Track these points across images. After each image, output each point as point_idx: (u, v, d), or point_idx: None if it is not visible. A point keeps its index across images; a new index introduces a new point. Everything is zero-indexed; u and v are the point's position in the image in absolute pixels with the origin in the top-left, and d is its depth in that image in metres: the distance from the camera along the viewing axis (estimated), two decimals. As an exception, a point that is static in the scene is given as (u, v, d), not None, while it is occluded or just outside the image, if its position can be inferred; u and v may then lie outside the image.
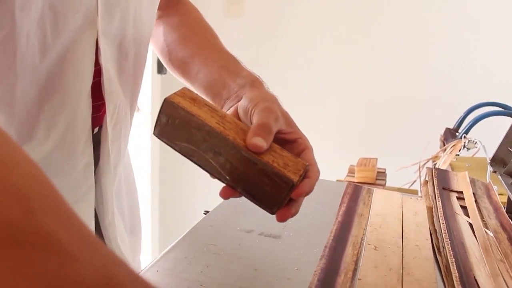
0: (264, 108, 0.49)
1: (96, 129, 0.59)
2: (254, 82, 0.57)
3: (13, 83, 0.46)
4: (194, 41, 0.67)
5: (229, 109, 0.56)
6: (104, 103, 0.56)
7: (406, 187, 1.21)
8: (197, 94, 0.49)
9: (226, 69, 0.60)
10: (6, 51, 0.45)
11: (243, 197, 0.48)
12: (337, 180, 1.15)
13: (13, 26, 0.44)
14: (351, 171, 1.22)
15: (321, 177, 0.87)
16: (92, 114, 0.55)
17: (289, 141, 0.51)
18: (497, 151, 0.81)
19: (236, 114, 0.54)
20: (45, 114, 0.50)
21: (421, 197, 0.81)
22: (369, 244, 0.61)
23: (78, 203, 0.57)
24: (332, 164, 1.48)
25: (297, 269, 0.56)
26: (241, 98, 0.54)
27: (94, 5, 0.50)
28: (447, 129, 1.32)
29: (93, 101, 0.54)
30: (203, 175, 0.48)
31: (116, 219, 0.64)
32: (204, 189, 1.80)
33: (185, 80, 0.67)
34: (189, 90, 0.49)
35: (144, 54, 0.63)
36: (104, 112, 0.57)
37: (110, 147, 0.59)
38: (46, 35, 0.47)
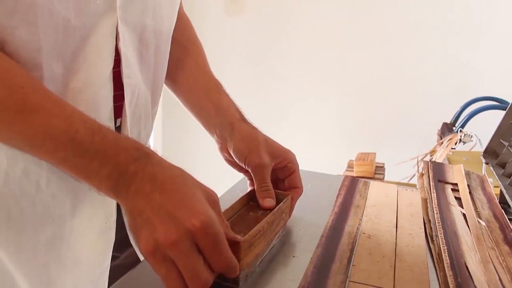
0: (256, 167, 0.63)
1: (118, 121, 0.61)
2: (233, 123, 0.67)
3: (38, 53, 0.49)
4: (188, 66, 0.74)
5: (218, 145, 0.69)
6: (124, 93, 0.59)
7: (405, 181, 1.23)
8: None
9: (209, 99, 0.71)
10: (29, 20, 0.47)
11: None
12: (337, 175, 1.17)
13: (33, 1, 0.47)
14: (350, 166, 1.24)
15: (320, 171, 0.89)
16: (114, 103, 0.58)
17: (280, 168, 0.66)
18: (489, 143, 0.83)
19: (227, 152, 0.67)
20: (70, 93, 0.53)
21: (417, 189, 0.83)
22: (364, 233, 0.63)
23: None
24: (331, 159, 1.51)
25: (294, 256, 0.58)
26: (225, 139, 0.67)
27: None
28: (444, 124, 1.34)
29: (115, 90, 0.57)
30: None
31: None
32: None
33: (178, 97, 0.75)
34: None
35: (165, 48, 0.66)
36: None
37: (129, 132, 0.61)
38: (69, 16, 0.50)
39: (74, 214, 0.59)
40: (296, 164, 0.66)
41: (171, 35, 0.68)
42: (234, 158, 0.66)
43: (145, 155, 0.46)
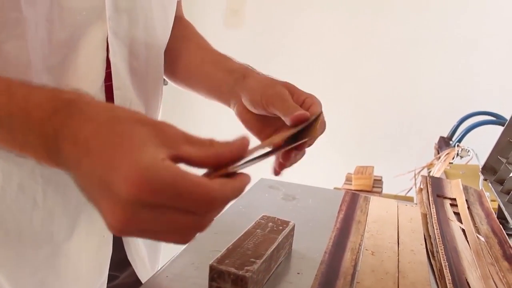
0: (274, 95, 0.55)
1: None
2: (245, 72, 0.61)
3: (27, 66, 0.49)
4: (190, 49, 0.71)
5: (235, 107, 0.61)
6: None
7: (402, 194, 1.24)
8: None
9: (219, 67, 0.65)
10: (16, 34, 0.47)
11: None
12: (335, 188, 1.18)
13: (20, 15, 0.46)
14: (348, 179, 1.25)
15: (319, 185, 0.90)
16: None
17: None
18: (487, 159, 0.85)
19: (245, 109, 0.59)
20: None
21: (416, 204, 0.85)
22: (366, 249, 0.64)
23: None
24: (330, 172, 1.52)
25: (298, 273, 0.59)
26: (240, 91, 0.60)
27: (102, 5, 0.52)
28: (441, 138, 1.36)
29: None
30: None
31: None
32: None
33: (186, 86, 0.71)
34: None
35: (158, 59, 0.65)
36: None
37: None
38: (54, 28, 0.49)
39: (73, 229, 0.59)
40: (319, 105, 0.56)
41: (165, 47, 0.67)
42: (251, 105, 0.58)
43: (65, 105, 0.36)
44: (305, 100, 0.55)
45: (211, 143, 0.35)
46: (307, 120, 0.51)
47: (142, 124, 0.34)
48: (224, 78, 0.63)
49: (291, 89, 0.57)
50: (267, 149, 0.45)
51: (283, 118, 0.52)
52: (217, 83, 0.64)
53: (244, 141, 0.35)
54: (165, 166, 0.31)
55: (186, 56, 0.70)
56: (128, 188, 0.30)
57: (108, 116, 0.35)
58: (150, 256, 0.73)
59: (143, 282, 0.69)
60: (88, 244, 0.61)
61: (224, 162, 0.34)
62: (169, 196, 0.31)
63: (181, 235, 0.35)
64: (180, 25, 0.75)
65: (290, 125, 0.51)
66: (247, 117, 0.60)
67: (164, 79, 0.72)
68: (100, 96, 0.56)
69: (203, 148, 0.34)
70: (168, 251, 0.73)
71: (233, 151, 0.35)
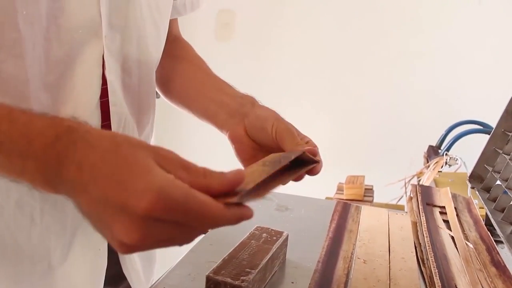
0: (286, 129, 0.58)
1: None
2: (254, 102, 0.64)
3: (26, 85, 0.49)
4: (189, 69, 0.73)
5: (231, 131, 0.63)
6: None
7: (393, 202, 1.26)
8: None
9: (222, 91, 0.68)
10: (15, 53, 0.48)
11: None
12: (327, 198, 1.20)
13: (19, 35, 0.47)
14: (339, 189, 1.27)
15: (312, 195, 0.92)
16: None
17: None
18: (474, 168, 0.87)
19: (242, 134, 0.62)
20: None
21: (407, 212, 0.86)
22: (358, 258, 0.65)
23: None
24: (321, 182, 1.53)
25: (292, 282, 0.60)
26: (244, 115, 0.62)
27: (98, 22, 0.53)
28: (430, 147, 1.38)
29: (103, 120, 0.58)
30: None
31: None
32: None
33: (183, 106, 0.72)
34: None
35: (150, 76, 0.65)
36: None
37: None
38: (51, 47, 0.50)
39: (70, 245, 0.59)
40: (313, 144, 0.59)
41: (157, 64, 0.68)
42: (256, 132, 0.61)
43: (66, 131, 0.37)
44: (304, 140, 0.59)
45: (204, 173, 0.37)
46: (316, 154, 0.54)
47: (143, 149, 0.36)
48: (227, 102, 0.66)
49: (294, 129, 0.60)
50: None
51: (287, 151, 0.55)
52: (216, 106, 0.67)
53: (237, 176, 0.37)
54: (177, 185, 0.34)
55: (183, 76, 0.72)
56: (145, 206, 0.33)
57: (110, 143, 0.36)
58: (145, 269, 0.73)
59: None
60: (85, 258, 0.61)
61: (215, 194, 0.36)
62: (180, 212, 0.34)
63: (182, 241, 0.37)
64: (178, 45, 0.76)
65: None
66: (243, 142, 0.62)
67: (157, 93, 0.73)
68: (96, 112, 0.57)
69: (195, 177, 0.36)
70: (164, 263, 0.74)
71: (224, 184, 0.36)
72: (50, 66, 0.51)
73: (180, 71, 0.73)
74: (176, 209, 0.34)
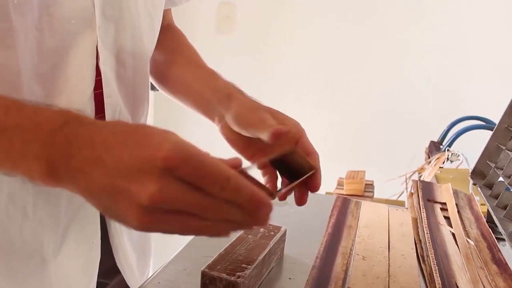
0: (257, 119, 0.56)
1: None
2: (230, 93, 0.63)
3: (18, 75, 0.49)
4: (180, 63, 0.73)
5: (219, 125, 0.63)
6: None
7: (394, 198, 1.25)
8: None
9: (206, 85, 0.67)
10: (6, 44, 0.47)
11: None
12: (327, 193, 1.19)
13: (10, 24, 0.46)
14: (340, 184, 1.26)
15: (311, 190, 0.90)
16: None
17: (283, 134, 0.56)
18: (476, 164, 0.86)
19: (229, 128, 0.61)
20: None
21: (407, 208, 0.85)
22: (357, 254, 0.64)
23: (84, 206, 0.59)
24: (321, 177, 1.52)
25: (290, 278, 0.59)
26: (223, 114, 0.62)
27: (91, 12, 0.53)
28: (432, 142, 1.37)
29: (97, 113, 0.57)
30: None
31: (122, 232, 0.66)
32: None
33: (175, 97, 0.72)
34: None
35: (144, 69, 0.65)
36: None
37: None
38: (44, 37, 0.49)
39: (63, 239, 0.59)
40: (301, 130, 0.58)
41: (151, 55, 0.67)
42: (234, 126, 0.59)
43: (74, 118, 0.38)
44: (310, 154, 0.57)
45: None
46: (285, 134, 0.53)
47: (151, 127, 0.37)
48: (209, 97, 0.65)
49: (274, 114, 0.58)
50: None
51: (264, 138, 0.54)
52: (204, 101, 0.66)
53: (235, 161, 0.38)
54: (189, 143, 0.35)
55: (176, 70, 0.71)
56: (162, 155, 0.33)
57: (116, 123, 0.38)
58: (139, 262, 0.73)
59: None
60: (78, 251, 0.60)
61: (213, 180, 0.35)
62: (195, 167, 0.34)
63: (202, 211, 0.36)
64: (171, 35, 0.76)
65: (270, 141, 0.52)
66: (231, 136, 0.62)
67: (153, 85, 0.73)
68: (90, 103, 0.56)
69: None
70: (159, 258, 0.73)
71: (221, 170, 0.36)
72: (43, 56, 0.50)
73: (172, 65, 0.73)
74: (191, 162, 0.34)
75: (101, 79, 0.56)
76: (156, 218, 0.35)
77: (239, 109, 0.59)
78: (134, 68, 0.62)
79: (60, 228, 0.58)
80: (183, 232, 0.36)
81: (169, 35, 0.75)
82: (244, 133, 0.58)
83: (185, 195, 0.34)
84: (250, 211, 0.36)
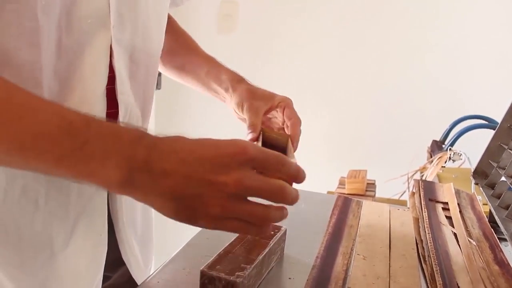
0: (249, 109, 0.72)
1: None
2: (233, 85, 0.76)
3: (40, 72, 0.50)
4: (182, 53, 0.82)
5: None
6: (118, 111, 0.60)
7: (396, 198, 1.24)
8: None
9: (211, 75, 0.79)
10: (32, 42, 0.49)
11: None
12: (328, 192, 1.18)
13: (37, 24, 0.48)
14: (341, 183, 1.25)
15: (312, 189, 0.90)
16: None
17: (275, 108, 0.73)
18: (478, 163, 0.85)
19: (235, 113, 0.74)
20: None
21: (409, 208, 0.85)
22: (358, 254, 0.64)
23: (93, 199, 0.60)
24: (323, 176, 1.52)
25: (290, 278, 0.59)
26: (229, 100, 0.75)
27: (106, 12, 0.55)
28: (434, 141, 1.36)
29: (108, 108, 0.58)
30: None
31: (128, 226, 0.67)
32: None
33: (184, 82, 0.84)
34: None
35: (154, 67, 0.68)
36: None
37: None
38: (62, 35, 0.51)
39: (72, 231, 0.59)
40: (288, 101, 0.73)
41: (159, 54, 0.70)
42: (236, 112, 0.74)
43: (146, 133, 0.44)
44: (278, 105, 0.72)
45: None
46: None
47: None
48: (214, 87, 0.78)
49: (288, 104, 0.73)
50: None
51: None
52: (214, 91, 0.79)
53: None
54: (250, 142, 0.48)
55: (192, 69, 0.81)
56: (240, 153, 0.42)
57: (180, 136, 0.44)
58: (143, 255, 0.74)
59: (137, 280, 0.69)
60: (86, 244, 0.61)
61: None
62: (263, 158, 0.44)
63: (268, 189, 0.44)
64: (176, 34, 0.81)
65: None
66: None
67: (158, 84, 0.74)
68: (102, 99, 0.57)
69: None
70: (159, 257, 0.73)
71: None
72: (61, 54, 0.52)
73: (188, 64, 0.82)
74: (259, 156, 0.43)
75: (113, 75, 0.58)
76: (235, 207, 0.43)
77: (237, 99, 0.73)
78: (146, 67, 0.64)
79: (70, 220, 0.59)
80: (250, 220, 0.44)
81: (174, 36, 0.79)
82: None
83: (258, 182, 0.43)
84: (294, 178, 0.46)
